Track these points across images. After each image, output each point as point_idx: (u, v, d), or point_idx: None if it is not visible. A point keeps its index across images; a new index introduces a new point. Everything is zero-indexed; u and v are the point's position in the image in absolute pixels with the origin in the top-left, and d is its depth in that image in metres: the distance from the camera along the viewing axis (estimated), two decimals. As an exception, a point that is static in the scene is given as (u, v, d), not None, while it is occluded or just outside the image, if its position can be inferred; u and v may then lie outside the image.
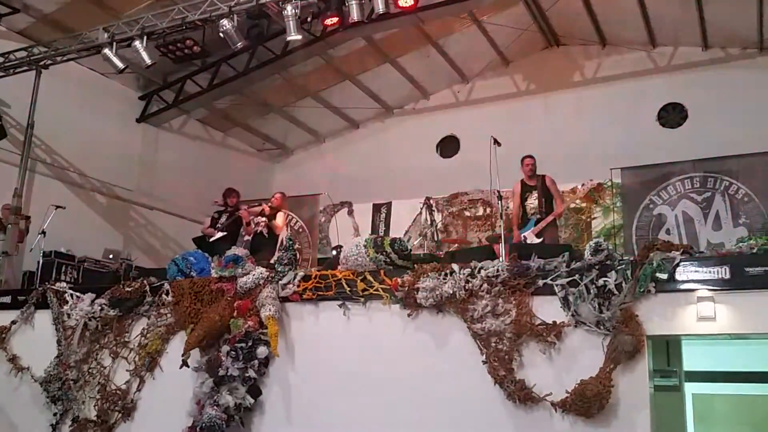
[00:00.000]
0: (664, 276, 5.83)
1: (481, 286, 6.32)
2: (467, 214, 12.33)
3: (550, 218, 8.72)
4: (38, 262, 9.78)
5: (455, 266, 6.53)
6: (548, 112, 12.92)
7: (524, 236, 8.68)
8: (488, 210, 12.09)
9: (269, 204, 10.32)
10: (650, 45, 12.58)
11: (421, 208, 12.52)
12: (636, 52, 12.71)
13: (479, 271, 6.39)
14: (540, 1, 12.08)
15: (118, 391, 7.69)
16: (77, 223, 11.14)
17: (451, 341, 6.43)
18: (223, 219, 10.16)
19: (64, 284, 8.52)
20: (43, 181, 11.29)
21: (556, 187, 9.00)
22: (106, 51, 9.63)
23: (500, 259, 6.74)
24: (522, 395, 5.92)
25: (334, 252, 10.18)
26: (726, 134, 11.07)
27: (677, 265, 5.84)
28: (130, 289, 7.91)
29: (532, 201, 8.91)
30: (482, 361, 6.16)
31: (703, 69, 12.24)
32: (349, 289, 6.93)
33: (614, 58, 12.97)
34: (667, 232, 10.21)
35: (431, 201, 12.56)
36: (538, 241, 8.52)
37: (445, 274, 6.48)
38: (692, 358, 6.63)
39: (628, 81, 12.74)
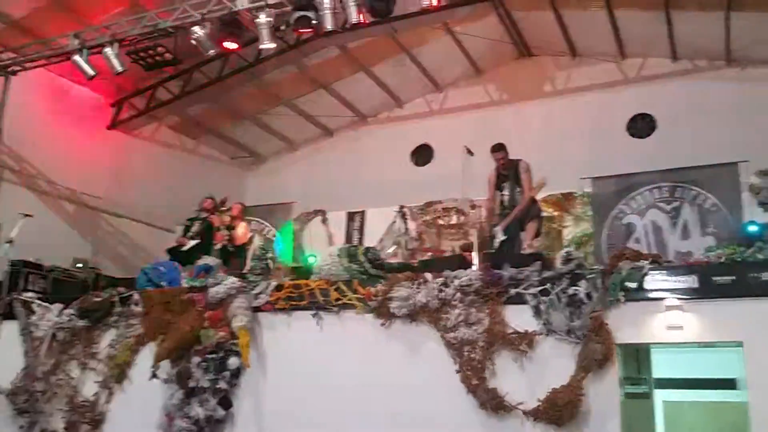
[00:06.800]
0: (634, 285, 5.92)
1: (454, 295, 6.36)
2: (441, 222, 12.35)
3: (512, 215, 7.90)
4: (5, 272, 9.58)
5: (429, 275, 6.55)
6: (520, 121, 13.01)
7: (494, 231, 8.03)
8: (462, 218, 12.12)
9: (229, 214, 10.25)
10: (620, 56, 12.74)
11: (395, 217, 12.52)
12: (606, 63, 12.86)
13: (452, 281, 6.43)
14: (512, 12, 12.19)
15: (86, 403, 7.59)
16: (46, 232, 10.93)
17: (424, 350, 6.45)
18: (195, 227, 10.07)
19: (31, 294, 8.38)
20: (11, 189, 11.08)
21: (529, 175, 8.09)
22: (77, 57, 9.50)
23: (473, 268, 6.76)
24: (494, 404, 5.96)
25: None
26: (694, 144, 11.24)
27: (646, 274, 5.94)
28: (98, 299, 7.81)
29: (507, 191, 8.12)
30: (455, 370, 6.19)
31: (671, 80, 12.42)
32: (322, 298, 6.91)
33: (585, 69, 13.11)
34: (636, 241, 10.30)
35: (405, 209, 12.57)
36: (503, 238, 7.80)
37: (419, 284, 6.51)
38: (662, 366, 6.71)
39: (598, 92, 12.89)
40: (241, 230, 10.18)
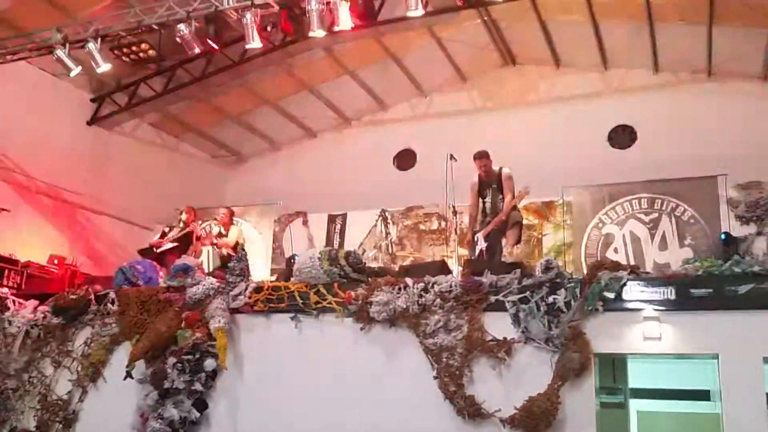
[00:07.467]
0: (612, 295, 5.96)
1: (434, 301, 6.36)
2: (422, 227, 12.37)
3: (493, 223, 8.02)
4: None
5: (409, 281, 6.54)
6: (503, 129, 13.07)
7: (476, 238, 8.14)
8: (443, 224, 12.14)
9: (217, 224, 10.19)
10: (603, 67, 12.87)
11: (377, 221, 12.51)
12: (589, 73, 12.97)
13: (433, 286, 6.43)
14: (497, 20, 12.25)
15: (59, 402, 7.49)
16: (22, 227, 10.81)
17: (402, 355, 6.44)
18: (174, 232, 9.98)
19: (5, 290, 8.28)
20: (-12, 183, 10.93)
21: (511, 183, 8.18)
22: (59, 52, 9.38)
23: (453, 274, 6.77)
24: (471, 411, 5.96)
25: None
26: (674, 157, 11.36)
27: (624, 284, 5.98)
28: (74, 297, 7.71)
29: (489, 199, 8.24)
30: (433, 376, 6.18)
31: (653, 92, 12.54)
32: (301, 301, 6.88)
33: (567, 79, 13.21)
34: (615, 251, 10.39)
35: (387, 213, 12.56)
36: (485, 245, 7.91)
37: (399, 289, 6.50)
38: (637, 376, 6.76)
39: (580, 101, 12.99)
40: (233, 235, 10.13)
